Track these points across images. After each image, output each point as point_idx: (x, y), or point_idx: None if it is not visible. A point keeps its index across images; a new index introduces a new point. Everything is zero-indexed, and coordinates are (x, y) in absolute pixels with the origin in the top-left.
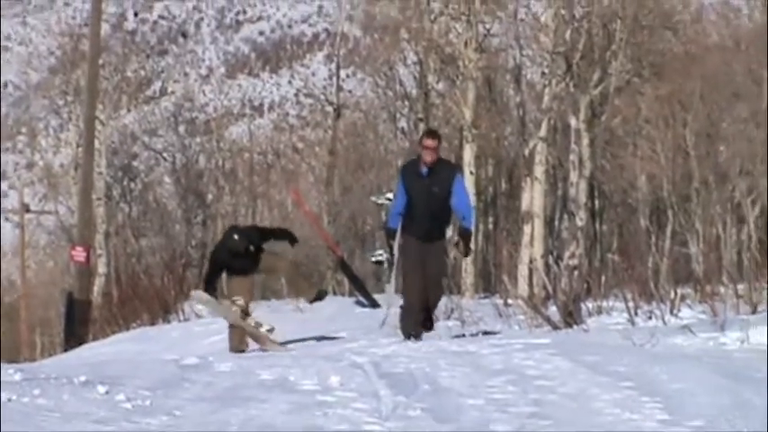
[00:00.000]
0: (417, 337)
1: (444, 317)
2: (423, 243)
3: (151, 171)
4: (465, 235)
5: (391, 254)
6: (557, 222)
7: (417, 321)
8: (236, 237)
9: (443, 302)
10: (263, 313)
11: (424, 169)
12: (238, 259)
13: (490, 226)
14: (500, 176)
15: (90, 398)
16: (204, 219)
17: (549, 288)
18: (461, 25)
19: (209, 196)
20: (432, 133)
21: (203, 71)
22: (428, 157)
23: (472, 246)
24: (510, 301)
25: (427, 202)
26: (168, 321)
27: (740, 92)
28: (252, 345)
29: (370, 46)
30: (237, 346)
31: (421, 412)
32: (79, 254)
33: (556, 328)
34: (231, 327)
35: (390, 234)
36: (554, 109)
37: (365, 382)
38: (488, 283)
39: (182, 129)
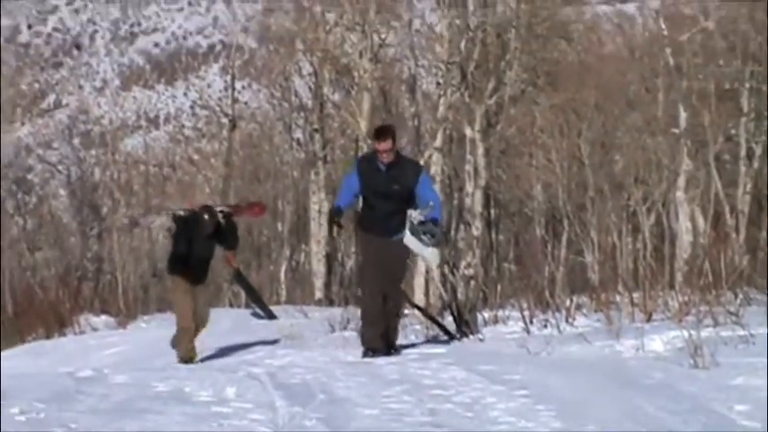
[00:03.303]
0: (382, 352)
1: (340, 327)
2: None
3: (46, 184)
4: None
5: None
6: (453, 232)
7: (381, 333)
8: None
9: (339, 313)
10: (158, 325)
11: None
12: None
13: None
14: None
15: None
16: (99, 232)
17: (446, 298)
18: (356, 36)
19: (105, 209)
20: (381, 132)
21: (98, 83)
22: (385, 159)
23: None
24: (406, 311)
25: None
26: (64, 335)
27: (634, 101)
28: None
29: (265, 57)
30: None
31: (317, 422)
32: None
33: (452, 337)
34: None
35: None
36: (449, 119)
37: (261, 392)
38: None
39: (77, 141)
